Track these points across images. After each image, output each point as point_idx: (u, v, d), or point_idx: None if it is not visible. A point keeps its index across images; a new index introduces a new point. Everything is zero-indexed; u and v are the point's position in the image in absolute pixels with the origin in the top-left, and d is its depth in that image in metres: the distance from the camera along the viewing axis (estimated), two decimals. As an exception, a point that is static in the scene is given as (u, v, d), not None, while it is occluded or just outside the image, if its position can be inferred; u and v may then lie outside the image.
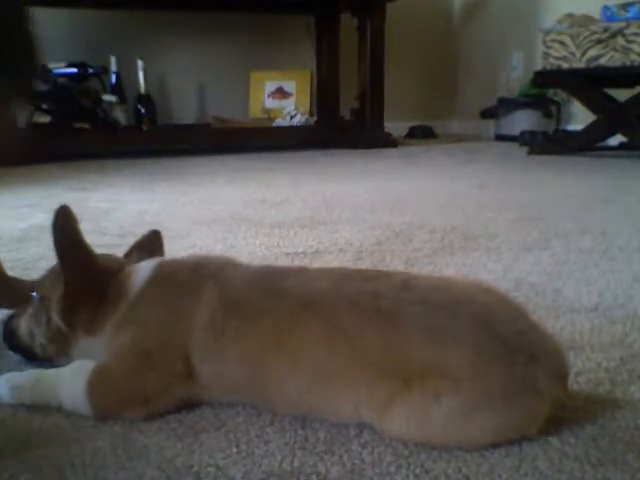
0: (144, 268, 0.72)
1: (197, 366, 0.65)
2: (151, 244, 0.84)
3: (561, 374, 0.61)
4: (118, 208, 1.86)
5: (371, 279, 0.66)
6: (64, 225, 0.69)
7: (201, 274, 0.70)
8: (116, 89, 3.43)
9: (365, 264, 1.22)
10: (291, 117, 3.67)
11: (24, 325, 0.76)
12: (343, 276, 0.68)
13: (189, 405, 0.67)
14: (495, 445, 0.59)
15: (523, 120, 3.82)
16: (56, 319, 0.71)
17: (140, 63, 3.43)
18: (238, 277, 0.69)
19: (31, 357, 0.76)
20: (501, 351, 0.58)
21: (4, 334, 0.79)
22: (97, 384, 0.65)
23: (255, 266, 0.74)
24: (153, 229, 0.87)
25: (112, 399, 0.65)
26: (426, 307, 0.61)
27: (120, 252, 0.83)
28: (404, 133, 4.29)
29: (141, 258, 0.78)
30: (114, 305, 0.69)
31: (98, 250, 0.74)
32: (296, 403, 0.63)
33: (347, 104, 3.79)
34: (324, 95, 3.91)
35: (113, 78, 3.45)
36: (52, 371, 0.70)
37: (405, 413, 0.58)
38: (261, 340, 0.63)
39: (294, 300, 0.64)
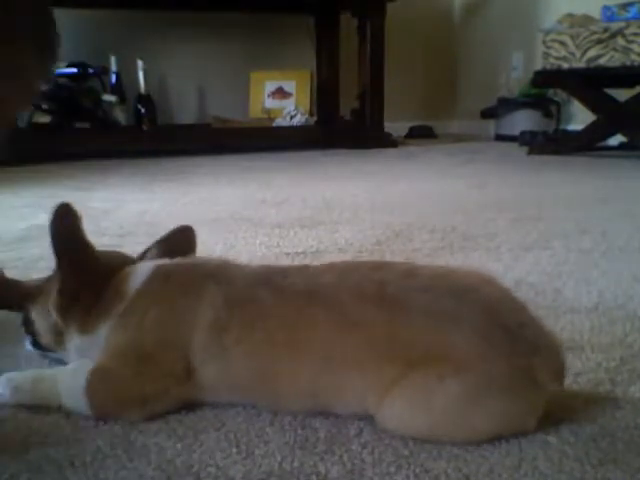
0: (143, 268, 0.72)
1: (198, 367, 0.65)
2: (179, 241, 0.82)
3: (559, 370, 0.62)
4: (118, 208, 1.86)
5: (375, 269, 0.66)
6: (62, 223, 0.69)
7: (201, 274, 0.70)
8: (116, 89, 3.43)
9: (365, 264, 1.22)
10: (291, 117, 3.67)
11: (34, 312, 0.76)
12: (346, 268, 0.68)
13: (189, 405, 0.67)
14: (495, 444, 0.59)
15: (523, 120, 3.82)
16: (53, 315, 0.71)
17: (140, 63, 3.43)
18: (239, 276, 0.69)
19: (38, 344, 0.77)
20: (505, 339, 0.58)
21: (23, 317, 0.80)
22: (96, 384, 0.65)
23: (255, 266, 0.74)
24: (184, 225, 0.84)
25: (111, 400, 0.65)
26: (430, 293, 0.61)
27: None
28: (404, 133, 4.29)
29: (160, 256, 0.78)
30: (110, 305, 0.69)
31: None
32: (304, 396, 0.63)
33: (347, 104, 3.79)
34: (324, 95, 3.91)
35: (113, 78, 3.45)
36: (52, 371, 0.70)
37: (408, 394, 0.59)
38: (268, 335, 0.63)
39: (299, 294, 0.65)
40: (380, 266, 0.68)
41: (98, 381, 0.65)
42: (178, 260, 0.75)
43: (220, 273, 0.69)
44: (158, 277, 0.70)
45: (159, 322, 0.67)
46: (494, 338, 0.58)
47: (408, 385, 0.58)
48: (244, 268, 0.72)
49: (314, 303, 0.63)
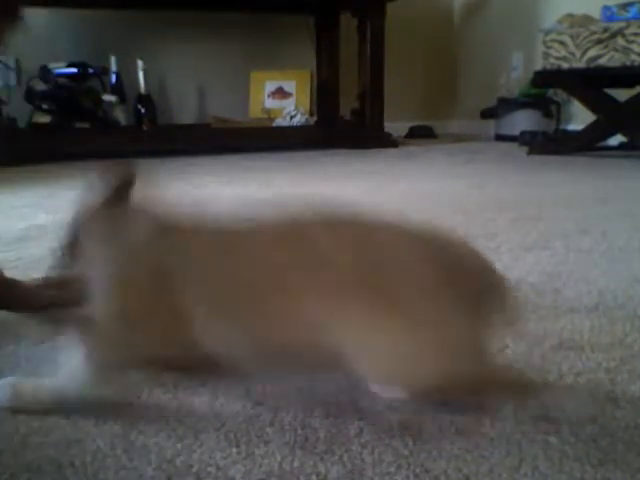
0: (146, 222, 0.72)
1: (193, 319, 0.66)
2: None
3: (506, 301, 0.66)
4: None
5: (346, 213, 0.72)
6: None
7: (193, 231, 0.72)
8: (116, 89, 3.43)
9: (365, 264, 1.22)
10: (291, 117, 3.67)
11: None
12: (319, 209, 0.72)
13: (189, 405, 0.67)
14: (495, 444, 0.59)
15: (523, 120, 3.82)
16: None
17: (140, 63, 3.43)
18: (226, 229, 0.73)
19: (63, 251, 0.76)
20: (453, 273, 0.64)
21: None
22: (92, 353, 0.65)
23: (241, 218, 0.76)
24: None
25: (110, 362, 0.66)
26: (396, 237, 0.66)
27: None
28: (404, 133, 4.29)
29: None
30: (115, 252, 0.69)
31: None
32: (279, 330, 0.65)
33: (347, 104, 3.79)
34: (324, 95, 3.91)
35: (113, 78, 3.45)
36: (50, 379, 0.70)
37: (367, 327, 0.61)
38: (250, 274, 0.66)
39: (276, 233, 0.68)
40: (354, 219, 0.72)
41: (93, 349, 0.66)
42: (176, 216, 0.75)
43: (209, 228, 0.73)
44: (157, 235, 0.70)
45: (149, 281, 0.67)
46: (443, 271, 0.63)
47: (367, 319, 0.61)
48: (231, 220, 0.75)
49: (289, 242, 0.66)
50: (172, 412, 0.66)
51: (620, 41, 2.71)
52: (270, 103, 3.94)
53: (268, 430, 0.63)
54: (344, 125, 3.78)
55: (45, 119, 3.17)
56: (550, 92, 3.81)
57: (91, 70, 3.32)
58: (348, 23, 3.69)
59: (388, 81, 3.62)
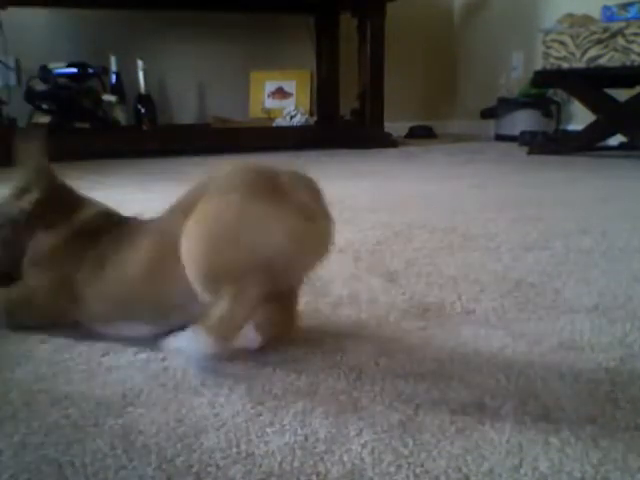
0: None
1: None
2: None
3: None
4: (117, 208, 1.85)
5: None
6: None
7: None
8: (116, 89, 3.44)
9: (365, 264, 1.22)
10: (291, 117, 3.67)
11: None
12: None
13: (189, 404, 0.67)
14: (495, 444, 0.59)
15: (523, 120, 3.82)
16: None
17: (140, 63, 3.43)
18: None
19: None
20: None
21: None
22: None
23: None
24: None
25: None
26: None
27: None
28: (404, 133, 4.29)
29: None
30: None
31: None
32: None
33: (347, 104, 3.79)
34: (324, 95, 3.91)
35: (113, 78, 3.45)
36: None
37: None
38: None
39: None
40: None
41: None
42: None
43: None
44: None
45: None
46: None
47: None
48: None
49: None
50: (172, 412, 0.66)
51: (620, 41, 2.71)
52: (270, 103, 3.94)
53: (268, 430, 0.63)
54: (344, 125, 3.78)
55: (45, 119, 3.17)
56: (550, 92, 3.81)
57: (91, 70, 3.33)
58: (348, 23, 3.69)
59: (388, 81, 3.62)
